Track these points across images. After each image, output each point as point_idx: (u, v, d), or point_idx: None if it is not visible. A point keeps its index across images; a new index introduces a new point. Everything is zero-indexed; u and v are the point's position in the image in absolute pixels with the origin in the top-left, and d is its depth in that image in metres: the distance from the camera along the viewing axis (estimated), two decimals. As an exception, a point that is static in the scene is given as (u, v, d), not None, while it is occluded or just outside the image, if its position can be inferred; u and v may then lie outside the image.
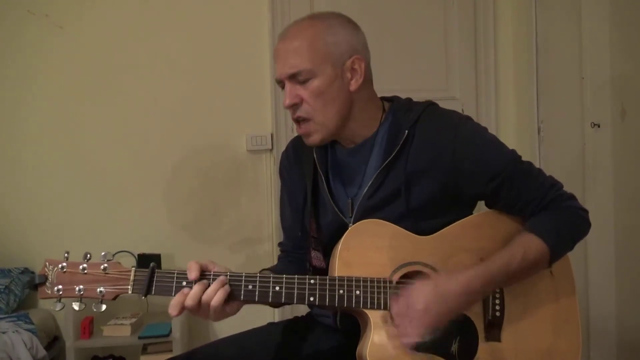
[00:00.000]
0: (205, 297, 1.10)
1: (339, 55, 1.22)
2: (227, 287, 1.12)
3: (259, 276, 1.15)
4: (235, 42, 2.80)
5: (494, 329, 1.21)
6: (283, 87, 1.26)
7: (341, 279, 1.16)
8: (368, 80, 1.29)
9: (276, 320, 1.50)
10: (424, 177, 1.23)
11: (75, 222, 2.71)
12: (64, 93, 2.74)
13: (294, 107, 1.24)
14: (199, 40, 2.79)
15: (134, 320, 2.56)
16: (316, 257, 1.35)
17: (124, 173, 2.77)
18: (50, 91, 2.74)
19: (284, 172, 1.46)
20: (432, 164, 1.23)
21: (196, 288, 1.11)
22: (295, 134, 1.47)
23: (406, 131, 1.24)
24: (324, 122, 1.24)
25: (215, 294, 1.11)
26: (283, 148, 1.52)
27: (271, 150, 2.80)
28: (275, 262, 1.51)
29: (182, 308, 1.11)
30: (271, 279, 1.15)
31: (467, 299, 1.16)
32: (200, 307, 1.11)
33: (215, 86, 2.79)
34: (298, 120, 1.26)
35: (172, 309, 1.11)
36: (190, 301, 1.10)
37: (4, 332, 2.27)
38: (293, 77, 1.22)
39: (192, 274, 1.11)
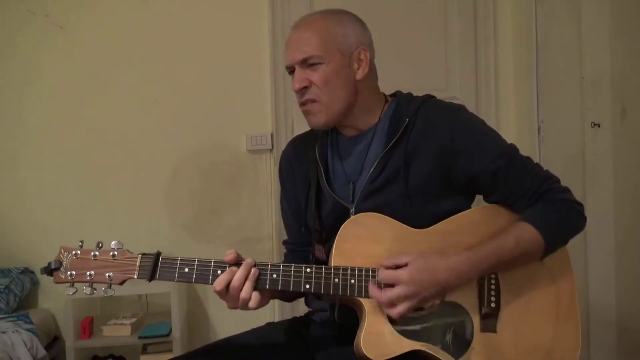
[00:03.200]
0: (233, 282, 1.15)
1: (347, 46, 1.30)
2: (255, 270, 1.17)
3: (258, 264, 1.19)
4: (235, 42, 2.80)
5: (489, 320, 1.22)
6: (291, 73, 1.33)
7: (337, 268, 1.19)
8: (373, 72, 1.36)
9: (275, 320, 1.50)
10: (422, 155, 1.27)
11: (75, 222, 2.71)
12: (64, 93, 2.75)
13: (302, 90, 1.30)
14: (198, 40, 2.78)
15: (134, 320, 2.56)
16: (319, 250, 1.37)
17: (124, 173, 2.77)
18: (50, 91, 2.74)
19: (283, 173, 1.49)
20: (430, 145, 1.27)
21: (225, 273, 1.16)
22: (295, 134, 1.48)
23: (407, 119, 1.29)
24: (329, 105, 1.29)
25: (244, 280, 1.16)
26: (283, 148, 1.53)
27: (271, 150, 2.80)
28: (275, 259, 1.52)
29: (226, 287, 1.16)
30: (269, 267, 1.18)
31: (455, 278, 1.18)
32: (227, 293, 1.16)
33: (215, 86, 2.79)
34: (305, 103, 1.31)
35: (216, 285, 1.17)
36: (217, 286, 1.15)
37: (4, 332, 2.27)
38: (304, 62, 1.29)
39: (229, 256, 1.17)
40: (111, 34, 2.75)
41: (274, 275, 1.18)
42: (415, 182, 1.27)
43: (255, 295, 1.16)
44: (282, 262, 1.41)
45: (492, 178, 1.27)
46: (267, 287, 1.18)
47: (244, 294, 1.15)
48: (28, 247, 2.69)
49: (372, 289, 1.16)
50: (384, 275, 1.16)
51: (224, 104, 2.80)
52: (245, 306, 1.17)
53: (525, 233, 1.21)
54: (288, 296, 1.40)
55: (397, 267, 1.16)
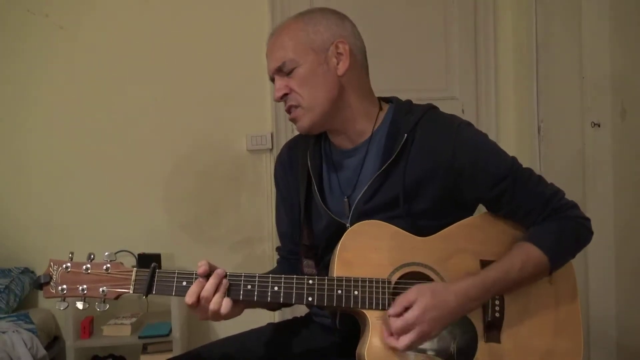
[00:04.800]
0: (203, 292, 1.10)
1: (321, 42, 1.24)
2: (225, 281, 1.12)
3: (258, 276, 1.15)
4: (235, 42, 2.80)
5: (493, 330, 1.20)
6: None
7: (339, 279, 1.16)
8: (358, 66, 1.28)
9: (276, 320, 1.50)
10: (424, 185, 1.23)
11: (75, 222, 2.71)
12: (64, 93, 2.75)
13: (284, 98, 1.26)
14: (199, 40, 2.78)
15: (134, 320, 2.56)
16: (307, 265, 1.34)
17: (124, 173, 2.77)
18: (50, 91, 2.75)
19: (278, 179, 1.46)
20: (432, 171, 1.23)
21: (194, 285, 1.11)
22: (294, 135, 1.47)
23: (405, 135, 1.24)
24: (312, 107, 1.24)
25: (214, 290, 1.11)
26: (283, 148, 1.51)
27: (271, 150, 2.80)
28: (275, 262, 1.51)
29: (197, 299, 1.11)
30: (270, 279, 1.15)
31: (463, 308, 1.16)
32: (199, 304, 1.11)
33: (215, 86, 2.79)
34: (289, 111, 1.28)
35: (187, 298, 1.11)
36: (189, 299, 1.10)
37: (4, 332, 2.27)
38: (280, 70, 1.25)
39: (200, 269, 1.12)
40: (111, 34, 2.75)
41: (275, 288, 1.14)
42: (417, 209, 1.24)
43: (227, 304, 1.11)
44: (276, 270, 1.40)
45: (498, 199, 1.24)
46: (269, 299, 1.14)
47: (212, 305, 1.10)
48: (28, 247, 2.70)
49: (390, 340, 1.13)
50: (396, 326, 1.11)
51: (224, 104, 2.80)
52: (216, 316, 1.12)
53: (531, 256, 1.19)
54: (271, 306, 1.30)
55: (406, 308, 1.12)
